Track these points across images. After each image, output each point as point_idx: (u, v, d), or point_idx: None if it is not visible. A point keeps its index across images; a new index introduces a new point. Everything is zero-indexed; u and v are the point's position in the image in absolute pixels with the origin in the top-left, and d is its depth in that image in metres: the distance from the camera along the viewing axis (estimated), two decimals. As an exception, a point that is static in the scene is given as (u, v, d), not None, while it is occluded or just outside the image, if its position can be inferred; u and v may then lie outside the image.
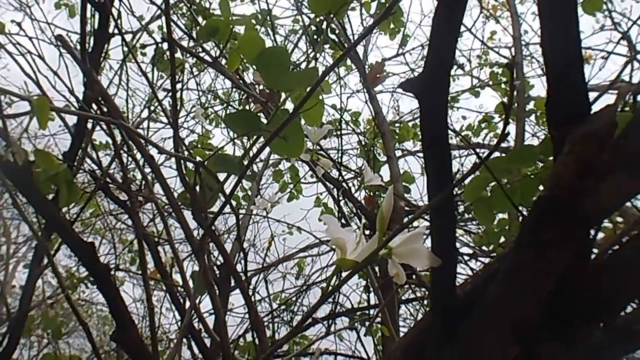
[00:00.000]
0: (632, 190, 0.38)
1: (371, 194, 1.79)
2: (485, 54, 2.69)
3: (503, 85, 2.40)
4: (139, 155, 1.03)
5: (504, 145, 2.26)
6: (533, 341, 0.46)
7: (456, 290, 0.52)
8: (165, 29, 0.64)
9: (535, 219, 0.40)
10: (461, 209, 1.94)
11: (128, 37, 1.58)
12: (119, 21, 1.08)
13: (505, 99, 2.22)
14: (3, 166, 0.52)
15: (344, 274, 0.52)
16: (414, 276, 1.44)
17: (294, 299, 2.06)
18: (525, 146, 0.99)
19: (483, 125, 2.25)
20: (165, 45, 1.57)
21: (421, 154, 2.70)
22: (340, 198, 1.49)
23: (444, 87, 0.44)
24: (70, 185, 0.74)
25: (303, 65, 2.02)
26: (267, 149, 0.76)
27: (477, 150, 2.44)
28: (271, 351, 0.62)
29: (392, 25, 2.07)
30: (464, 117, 2.50)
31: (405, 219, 1.14)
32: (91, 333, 0.79)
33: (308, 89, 0.62)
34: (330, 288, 0.52)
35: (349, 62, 2.36)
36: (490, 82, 2.45)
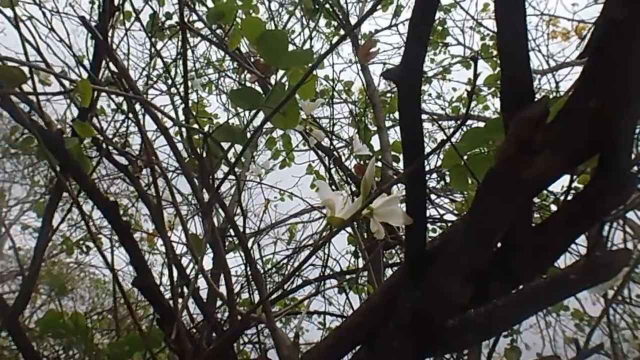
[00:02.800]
0: (560, 164, 0.50)
1: (361, 162, 1.90)
2: (478, 25, 2.76)
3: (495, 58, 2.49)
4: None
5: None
6: (485, 282, 0.58)
7: (426, 244, 0.63)
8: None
9: (484, 186, 0.51)
10: (448, 180, 2.07)
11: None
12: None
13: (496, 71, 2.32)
14: (42, 134, 0.62)
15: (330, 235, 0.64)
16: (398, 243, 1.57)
17: (285, 261, 2.20)
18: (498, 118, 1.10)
19: (474, 99, 2.35)
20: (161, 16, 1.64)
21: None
22: (332, 166, 1.60)
23: (418, 75, 0.55)
24: (82, 158, 0.84)
25: (299, 38, 2.09)
26: (261, 117, 0.86)
27: (466, 121, 2.56)
28: (268, 296, 0.74)
29: (385, -4, 2.14)
30: (454, 89, 2.60)
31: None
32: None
33: (305, 67, 0.72)
34: (320, 242, 0.63)
35: (341, 31, 2.44)
36: (482, 54, 2.54)
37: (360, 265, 2.19)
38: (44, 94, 0.69)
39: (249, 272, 1.22)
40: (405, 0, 2.41)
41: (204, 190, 0.77)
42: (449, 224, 1.73)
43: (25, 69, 0.66)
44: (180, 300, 0.75)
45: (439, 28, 2.52)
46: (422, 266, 0.62)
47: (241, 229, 1.29)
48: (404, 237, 1.19)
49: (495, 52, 2.42)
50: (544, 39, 2.90)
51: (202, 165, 0.78)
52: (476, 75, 0.57)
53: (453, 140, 0.61)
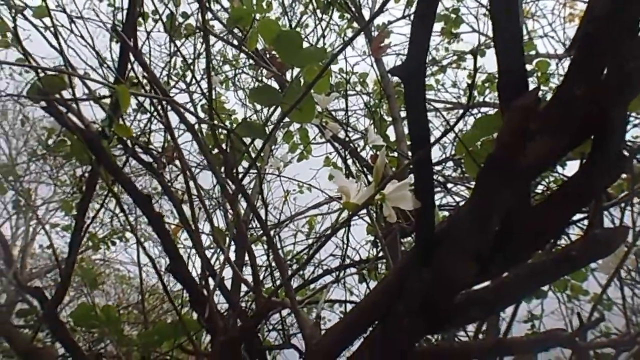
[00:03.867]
0: (553, 148, 0.55)
1: (376, 153, 1.95)
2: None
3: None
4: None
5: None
6: (488, 261, 0.64)
7: (434, 226, 0.69)
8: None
9: (483, 171, 0.57)
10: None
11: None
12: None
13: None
14: (83, 134, 0.70)
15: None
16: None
17: (305, 251, 2.27)
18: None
19: (487, 84, 2.38)
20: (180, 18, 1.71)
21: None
22: (348, 157, 1.66)
23: (421, 72, 0.60)
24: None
25: (313, 32, 2.15)
26: (278, 112, 0.92)
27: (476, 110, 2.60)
28: (291, 276, 0.80)
29: (398, -13, 2.17)
30: (469, 76, 2.62)
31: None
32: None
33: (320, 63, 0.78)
34: (337, 226, 0.69)
35: (355, 24, 2.48)
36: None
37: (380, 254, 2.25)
38: (84, 99, 0.77)
39: (271, 259, 1.29)
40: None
41: (229, 183, 0.83)
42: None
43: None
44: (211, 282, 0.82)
45: (453, 16, 2.54)
46: (431, 248, 0.68)
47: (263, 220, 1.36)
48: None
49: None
50: (561, 23, 2.89)
51: (227, 159, 0.84)
52: (476, 69, 0.62)
53: (466, 127, 0.67)
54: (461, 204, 1.94)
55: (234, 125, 0.87)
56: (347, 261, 2.26)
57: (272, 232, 2.38)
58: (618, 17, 0.47)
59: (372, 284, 1.98)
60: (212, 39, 1.91)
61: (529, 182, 0.61)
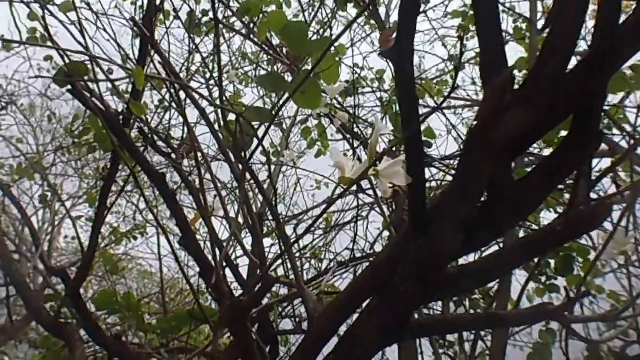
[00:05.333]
0: (528, 122, 0.60)
1: (391, 147, 2.00)
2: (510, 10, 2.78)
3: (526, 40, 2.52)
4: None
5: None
6: (473, 231, 0.69)
7: (426, 201, 0.75)
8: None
9: (465, 146, 0.62)
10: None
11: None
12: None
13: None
14: (103, 115, 0.78)
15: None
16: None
17: (320, 244, 2.33)
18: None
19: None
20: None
21: (445, 111, 2.89)
22: (356, 145, 1.72)
23: (410, 53, 0.66)
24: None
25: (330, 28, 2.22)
26: (295, 108, 0.99)
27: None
28: (293, 244, 0.86)
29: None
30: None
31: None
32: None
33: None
34: (335, 198, 0.75)
35: (372, 21, 2.54)
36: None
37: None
38: (104, 80, 0.85)
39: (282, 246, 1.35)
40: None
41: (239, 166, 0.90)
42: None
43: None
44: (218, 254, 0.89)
45: (471, 12, 2.57)
46: (424, 221, 0.73)
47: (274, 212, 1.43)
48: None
49: (528, 35, 2.46)
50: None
51: (236, 141, 0.92)
52: (462, 52, 0.68)
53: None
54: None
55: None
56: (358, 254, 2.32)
57: (288, 226, 2.46)
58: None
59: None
60: (231, 34, 2.00)
61: (508, 156, 0.66)
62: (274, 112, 0.94)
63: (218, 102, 0.96)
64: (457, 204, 0.68)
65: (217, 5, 0.87)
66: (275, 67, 1.98)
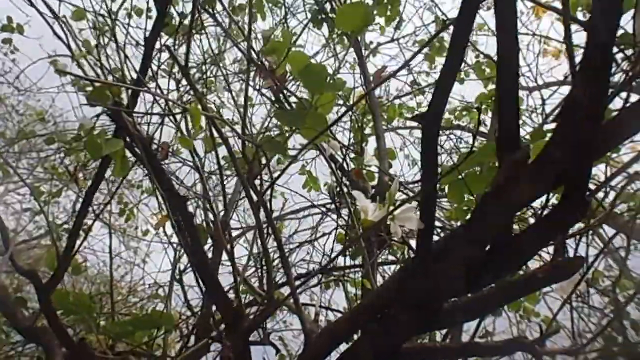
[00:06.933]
0: (536, 191, 0.74)
1: (359, 167, 2.13)
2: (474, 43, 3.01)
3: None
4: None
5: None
6: (474, 274, 0.82)
7: (432, 243, 0.87)
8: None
9: (483, 202, 0.75)
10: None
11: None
12: None
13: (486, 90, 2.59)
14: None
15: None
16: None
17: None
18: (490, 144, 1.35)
19: (464, 112, 2.62)
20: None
21: (402, 131, 3.07)
22: (337, 170, 1.83)
23: (439, 121, 0.78)
24: (123, 159, 1.04)
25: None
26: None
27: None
28: (301, 284, 0.96)
29: (389, 13, 2.37)
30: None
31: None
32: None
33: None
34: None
35: (346, 41, 2.67)
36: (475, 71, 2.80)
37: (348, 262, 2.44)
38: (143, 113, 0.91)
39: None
40: (405, 15, 2.65)
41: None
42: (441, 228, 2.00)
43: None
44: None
45: (437, 44, 2.76)
46: (429, 261, 0.85)
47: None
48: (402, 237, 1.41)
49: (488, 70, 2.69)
50: (534, 57, 3.18)
51: (251, 168, 1.00)
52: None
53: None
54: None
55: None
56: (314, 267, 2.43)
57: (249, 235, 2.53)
58: (591, 103, 0.66)
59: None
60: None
61: (513, 215, 0.80)
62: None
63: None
64: (465, 248, 0.81)
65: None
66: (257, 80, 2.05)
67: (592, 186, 1.05)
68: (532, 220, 0.95)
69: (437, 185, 0.81)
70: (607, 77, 0.69)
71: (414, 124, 3.13)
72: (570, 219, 0.77)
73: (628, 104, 0.76)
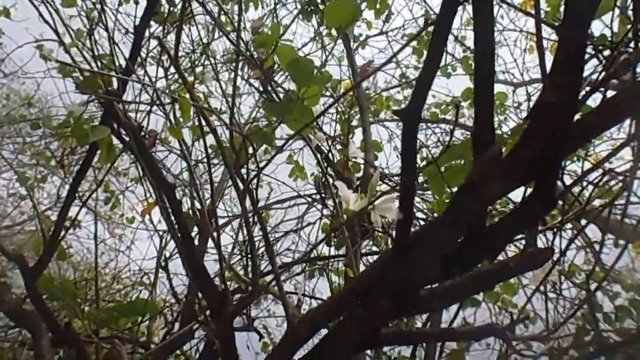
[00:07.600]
0: (508, 187, 0.79)
1: (345, 158, 2.18)
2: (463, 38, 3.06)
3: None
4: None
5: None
6: (448, 263, 0.87)
7: (410, 233, 0.92)
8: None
9: (458, 196, 0.80)
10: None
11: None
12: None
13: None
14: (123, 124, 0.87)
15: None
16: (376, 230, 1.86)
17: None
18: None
19: (450, 107, 2.67)
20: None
21: (389, 123, 3.12)
22: (323, 161, 1.87)
23: (419, 115, 0.82)
24: (110, 147, 1.07)
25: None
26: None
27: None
28: (284, 267, 1.00)
29: (378, 6, 2.41)
30: (433, 96, 2.90)
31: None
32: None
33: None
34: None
35: (334, 32, 2.70)
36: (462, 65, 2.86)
37: (332, 251, 2.50)
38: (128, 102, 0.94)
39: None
40: (395, 8, 2.69)
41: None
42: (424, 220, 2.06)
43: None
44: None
45: (426, 38, 2.81)
46: (406, 249, 0.90)
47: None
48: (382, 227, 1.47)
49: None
50: (521, 53, 3.25)
51: (238, 157, 1.04)
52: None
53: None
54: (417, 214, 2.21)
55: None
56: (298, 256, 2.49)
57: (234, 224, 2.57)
58: (562, 103, 0.71)
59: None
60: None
61: (487, 208, 0.84)
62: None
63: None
64: (439, 239, 0.85)
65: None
66: (245, 70, 2.08)
67: (568, 181, 1.11)
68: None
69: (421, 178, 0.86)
70: (578, 78, 0.74)
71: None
72: (541, 210, 0.82)
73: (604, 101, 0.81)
